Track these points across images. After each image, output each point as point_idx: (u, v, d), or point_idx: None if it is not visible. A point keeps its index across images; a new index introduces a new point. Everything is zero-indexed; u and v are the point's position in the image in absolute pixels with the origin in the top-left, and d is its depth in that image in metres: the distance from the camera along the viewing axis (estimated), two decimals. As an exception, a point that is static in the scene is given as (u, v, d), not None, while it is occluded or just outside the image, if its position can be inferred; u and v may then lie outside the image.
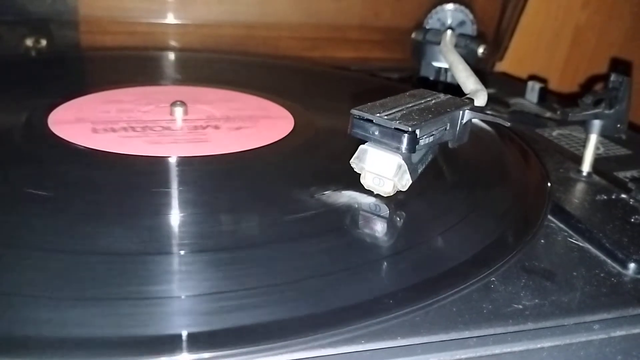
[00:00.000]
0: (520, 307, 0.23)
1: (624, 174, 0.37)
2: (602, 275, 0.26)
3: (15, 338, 0.18)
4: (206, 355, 0.19)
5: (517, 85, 0.58)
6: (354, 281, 0.23)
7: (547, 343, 0.22)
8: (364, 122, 0.28)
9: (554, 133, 0.45)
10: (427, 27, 0.56)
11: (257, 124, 0.39)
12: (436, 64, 0.52)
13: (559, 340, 0.22)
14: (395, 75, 0.59)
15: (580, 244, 0.29)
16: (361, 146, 0.29)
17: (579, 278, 0.26)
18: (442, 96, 0.31)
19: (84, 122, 0.37)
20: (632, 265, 0.27)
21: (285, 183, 0.32)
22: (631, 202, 0.32)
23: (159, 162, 0.32)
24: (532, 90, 0.53)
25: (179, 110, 0.38)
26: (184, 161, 0.32)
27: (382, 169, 0.28)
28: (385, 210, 0.28)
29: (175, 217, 0.27)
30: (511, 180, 0.36)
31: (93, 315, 0.20)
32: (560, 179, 0.35)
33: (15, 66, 0.50)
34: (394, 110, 0.28)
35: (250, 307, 0.21)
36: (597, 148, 0.36)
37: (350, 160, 0.29)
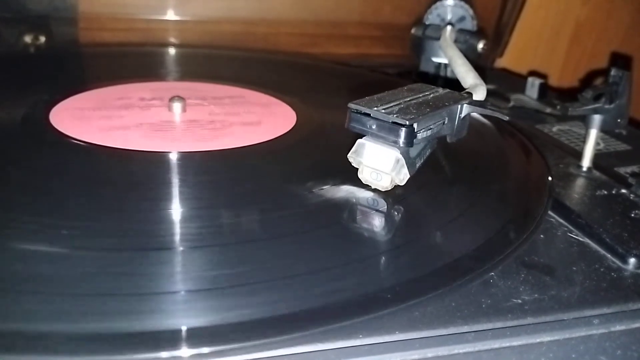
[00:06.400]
0: (520, 301, 0.23)
1: (624, 169, 0.37)
2: (602, 270, 0.26)
3: (14, 333, 0.18)
4: (205, 350, 0.18)
5: (517, 81, 0.58)
6: (352, 276, 0.23)
7: (546, 338, 0.21)
8: (361, 116, 0.27)
9: (554, 129, 0.44)
10: (427, 22, 0.56)
11: (258, 119, 0.39)
12: (436, 60, 0.52)
13: (558, 335, 0.22)
14: (393, 71, 0.59)
15: (580, 239, 0.28)
16: (359, 140, 0.28)
17: (578, 273, 0.25)
18: (440, 90, 0.31)
19: (84, 118, 0.36)
20: (632, 260, 0.26)
21: (284, 178, 0.31)
22: (631, 197, 0.32)
23: (159, 158, 0.32)
24: (532, 86, 0.52)
25: (178, 106, 0.38)
26: (185, 156, 0.32)
27: (380, 163, 0.28)
28: (383, 205, 0.28)
29: (175, 212, 0.27)
30: (511, 175, 0.35)
31: (92, 310, 0.20)
32: (560, 174, 0.35)
33: (14, 63, 0.50)
34: (391, 104, 0.28)
35: (248, 302, 0.21)
36: (597, 143, 0.35)
37: (348, 155, 0.29)
